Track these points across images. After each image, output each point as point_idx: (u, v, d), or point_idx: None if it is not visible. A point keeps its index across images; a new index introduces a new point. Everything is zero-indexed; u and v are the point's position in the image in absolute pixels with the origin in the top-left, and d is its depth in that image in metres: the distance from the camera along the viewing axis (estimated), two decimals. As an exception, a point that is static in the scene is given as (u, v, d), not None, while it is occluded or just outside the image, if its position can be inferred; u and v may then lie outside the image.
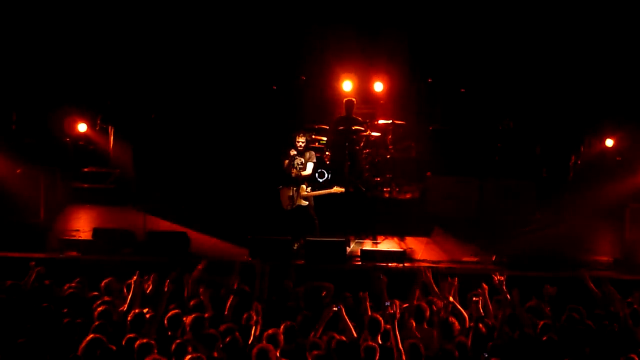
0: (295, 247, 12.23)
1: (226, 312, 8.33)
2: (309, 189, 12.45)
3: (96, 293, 8.92)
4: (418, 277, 8.88)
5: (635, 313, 8.10)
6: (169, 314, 7.90)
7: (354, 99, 14.88)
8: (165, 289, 8.23)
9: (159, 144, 15.32)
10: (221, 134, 15.60)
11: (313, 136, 14.87)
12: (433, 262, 12.07)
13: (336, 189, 12.28)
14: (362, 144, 14.84)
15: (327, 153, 14.68)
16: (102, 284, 9.16)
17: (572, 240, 12.54)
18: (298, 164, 12.36)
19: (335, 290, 9.16)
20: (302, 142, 12.37)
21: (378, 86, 15.77)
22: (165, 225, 13.50)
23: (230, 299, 8.45)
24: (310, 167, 12.51)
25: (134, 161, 14.97)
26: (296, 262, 11.76)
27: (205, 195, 14.75)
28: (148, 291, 8.91)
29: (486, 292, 8.42)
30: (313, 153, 12.67)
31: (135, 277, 8.49)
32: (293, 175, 12.38)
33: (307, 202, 12.40)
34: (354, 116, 14.79)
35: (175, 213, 13.98)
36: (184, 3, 15.38)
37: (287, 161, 12.43)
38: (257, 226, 12.96)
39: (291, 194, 12.33)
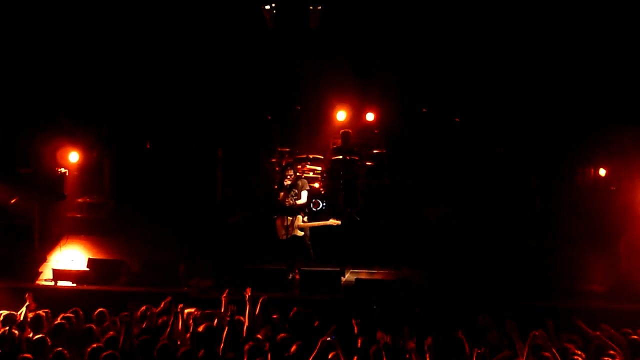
0: (290, 277, 12.21)
1: (222, 345, 8.24)
2: (305, 219, 12.47)
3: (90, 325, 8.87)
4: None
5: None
6: (158, 344, 7.85)
7: (349, 130, 15.03)
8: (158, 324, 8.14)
9: (154, 173, 15.38)
10: (219, 162, 15.76)
11: (308, 165, 14.91)
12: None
13: (332, 221, 12.26)
14: (357, 173, 14.91)
15: (320, 183, 14.77)
16: (95, 314, 9.13)
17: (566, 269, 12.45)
18: (292, 195, 12.37)
19: (329, 321, 9.03)
20: (291, 175, 12.44)
21: (370, 116, 15.95)
22: (158, 255, 13.34)
23: (225, 331, 8.35)
24: (305, 195, 12.53)
25: (127, 192, 15.08)
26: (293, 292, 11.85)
27: (200, 225, 14.71)
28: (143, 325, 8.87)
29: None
30: (305, 181, 12.72)
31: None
32: (288, 205, 12.38)
33: (302, 233, 12.42)
34: (351, 146, 14.98)
35: (170, 244, 13.95)
36: (172, 32, 15.46)
37: (282, 193, 12.44)
38: (251, 256, 13.00)
39: (286, 223, 12.30)
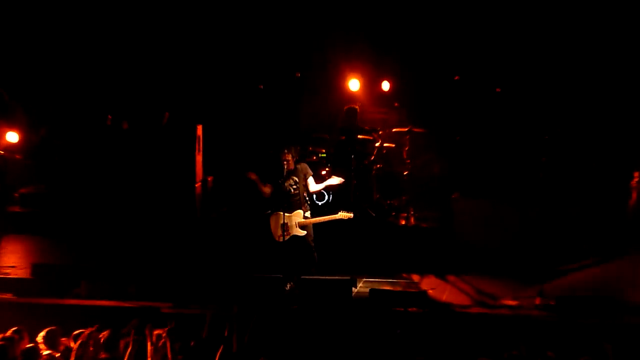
0: (287, 288, 12.27)
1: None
2: (307, 214, 12.44)
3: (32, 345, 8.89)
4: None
5: None
6: None
7: (357, 107, 15.11)
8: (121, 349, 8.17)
9: (116, 156, 15.40)
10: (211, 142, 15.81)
11: (310, 149, 15.02)
12: (461, 306, 12.05)
13: (342, 215, 12.24)
14: (372, 158, 14.95)
15: (327, 169, 14.76)
16: (42, 335, 9.14)
17: (630, 279, 12.57)
18: (291, 184, 12.37)
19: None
20: (288, 160, 12.36)
21: (386, 85, 15.99)
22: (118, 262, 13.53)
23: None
24: (312, 181, 12.50)
25: (81, 181, 15.13)
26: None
27: (173, 222, 14.78)
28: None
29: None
30: (306, 165, 12.63)
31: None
32: (291, 195, 12.38)
33: (304, 232, 12.39)
34: (360, 125, 15.06)
35: (135, 245, 14.10)
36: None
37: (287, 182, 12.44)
38: (239, 261, 13.22)
39: (284, 221, 12.31)
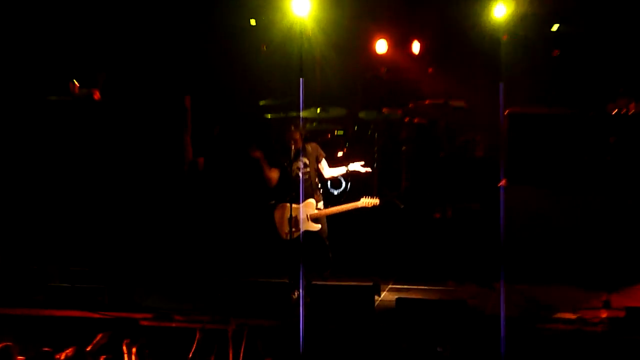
0: (294, 296, 12.28)
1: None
2: (319, 204, 12.43)
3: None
4: None
5: None
6: None
7: (382, 74, 15.43)
8: None
9: (91, 131, 15.32)
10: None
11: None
12: (509, 319, 11.67)
13: (365, 202, 12.31)
14: (400, 137, 14.98)
15: (344, 150, 14.87)
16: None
17: None
18: (300, 168, 12.42)
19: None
20: (297, 140, 12.47)
21: (416, 47, 16.21)
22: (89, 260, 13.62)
23: None
24: (326, 165, 12.60)
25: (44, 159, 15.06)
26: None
27: (156, 210, 14.81)
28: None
29: None
30: (317, 145, 12.70)
31: None
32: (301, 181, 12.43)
33: (318, 226, 12.42)
34: (386, 96, 15.25)
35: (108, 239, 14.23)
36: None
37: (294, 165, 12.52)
38: (235, 263, 13.49)
39: (292, 214, 12.28)
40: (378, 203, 12.30)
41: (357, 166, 12.69)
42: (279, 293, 12.19)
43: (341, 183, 14.60)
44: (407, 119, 15.06)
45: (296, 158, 12.42)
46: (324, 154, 12.67)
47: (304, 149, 12.50)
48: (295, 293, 12.25)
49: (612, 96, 14.52)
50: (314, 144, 12.67)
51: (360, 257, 13.62)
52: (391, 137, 15.02)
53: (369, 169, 12.80)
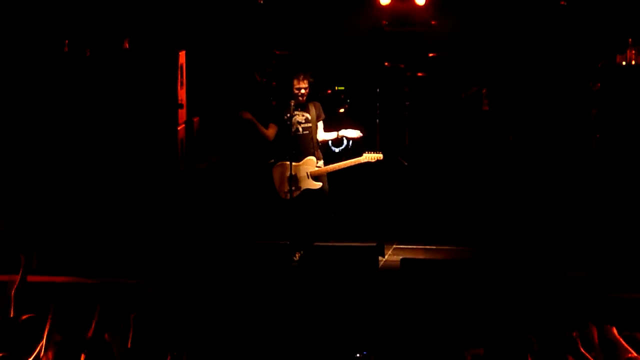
0: (296, 258, 12.29)
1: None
2: (320, 162, 12.38)
3: None
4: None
5: None
6: None
7: (383, 26, 15.43)
8: None
9: (74, 90, 14.90)
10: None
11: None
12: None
13: (368, 157, 12.21)
14: (403, 91, 15.00)
15: (345, 106, 14.87)
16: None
17: None
18: (300, 122, 12.31)
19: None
20: (305, 89, 12.35)
21: None
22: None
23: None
24: (322, 127, 12.56)
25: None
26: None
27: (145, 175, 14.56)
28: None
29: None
30: (319, 105, 12.61)
31: None
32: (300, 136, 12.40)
33: (319, 184, 12.39)
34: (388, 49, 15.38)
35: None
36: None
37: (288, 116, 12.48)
38: (231, 224, 13.56)
39: (292, 172, 12.27)
40: (382, 157, 12.21)
41: (348, 132, 12.59)
42: (280, 256, 12.18)
43: (342, 141, 14.54)
44: (409, 73, 15.05)
45: (298, 111, 12.34)
46: (324, 116, 12.60)
47: (306, 104, 12.41)
48: (297, 255, 12.26)
49: (621, 47, 14.33)
50: (317, 103, 12.58)
51: (363, 217, 13.64)
52: (393, 91, 14.90)
53: (359, 134, 12.66)
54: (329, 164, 12.40)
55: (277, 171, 12.35)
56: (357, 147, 13.97)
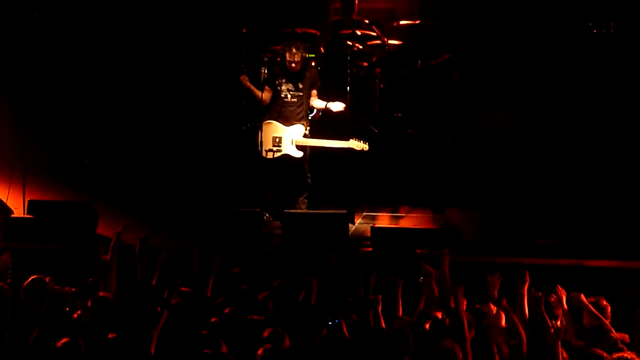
0: (266, 219, 12.59)
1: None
2: (307, 131, 12.62)
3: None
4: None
5: None
6: None
7: None
8: None
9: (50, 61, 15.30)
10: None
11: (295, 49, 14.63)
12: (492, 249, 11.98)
13: (354, 144, 12.48)
14: (373, 59, 14.96)
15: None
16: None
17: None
18: (291, 90, 12.54)
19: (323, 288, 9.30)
20: (296, 63, 12.50)
21: None
22: (58, 192, 13.72)
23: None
24: (315, 96, 12.80)
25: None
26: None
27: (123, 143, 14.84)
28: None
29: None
30: (316, 72, 12.93)
31: None
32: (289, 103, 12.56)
33: (300, 154, 12.60)
34: (358, 17, 15.14)
35: (74, 172, 14.28)
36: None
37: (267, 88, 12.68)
38: (200, 187, 13.66)
39: (280, 134, 12.53)
40: (367, 149, 12.44)
41: (333, 105, 12.73)
42: (250, 219, 12.13)
43: (312, 110, 14.42)
44: (380, 41, 14.87)
45: (289, 79, 12.51)
46: (320, 84, 12.78)
47: (302, 73, 12.55)
48: (266, 215, 12.51)
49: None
50: (314, 71, 12.83)
51: (334, 184, 13.67)
52: (364, 59, 14.82)
53: (342, 108, 12.84)
54: (316, 139, 12.62)
55: (266, 128, 12.59)
56: (325, 119, 14.04)
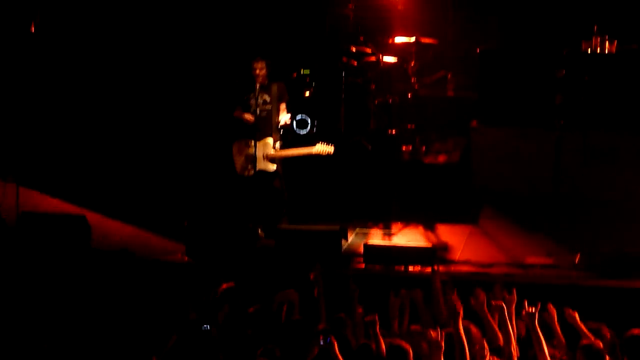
0: (260, 235, 12.60)
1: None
2: (277, 145, 12.56)
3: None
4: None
5: None
6: None
7: (349, 10, 15.27)
8: None
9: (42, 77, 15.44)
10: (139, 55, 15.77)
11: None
12: (481, 264, 12.05)
13: (320, 149, 12.37)
14: (368, 75, 14.91)
15: (310, 90, 14.70)
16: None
17: None
18: (259, 104, 12.49)
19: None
20: (262, 70, 12.51)
21: None
22: (52, 204, 13.82)
23: None
24: (284, 111, 12.71)
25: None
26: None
27: (113, 157, 14.85)
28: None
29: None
30: (283, 85, 12.79)
31: None
32: (253, 120, 12.50)
33: (274, 167, 12.60)
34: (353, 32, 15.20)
35: (68, 186, 14.23)
36: None
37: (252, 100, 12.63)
38: (193, 206, 13.54)
39: (251, 151, 12.43)
40: (332, 152, 12.36)
41: (281, 118, 12.66)
42: (242, 234, 12.24)
43: (307, 123, 14.34)
44: (374, 58, 14.85)
45: (257, 93, 12.48)
46: (288, 98, 12.74)
47: (269, 87, 12.55)
48: (259, 230, 12.54)
49: (587, 34, 14.35)
50: (281, 84, 12.74)
51: (328, 200, 13.63)
52: (359, 75, 14.81)
53: (286, 121, 12.71)
54: (287, 148, 12.61)
55: (236, 148, 12.61)
56: (322, 132, 13.96)
